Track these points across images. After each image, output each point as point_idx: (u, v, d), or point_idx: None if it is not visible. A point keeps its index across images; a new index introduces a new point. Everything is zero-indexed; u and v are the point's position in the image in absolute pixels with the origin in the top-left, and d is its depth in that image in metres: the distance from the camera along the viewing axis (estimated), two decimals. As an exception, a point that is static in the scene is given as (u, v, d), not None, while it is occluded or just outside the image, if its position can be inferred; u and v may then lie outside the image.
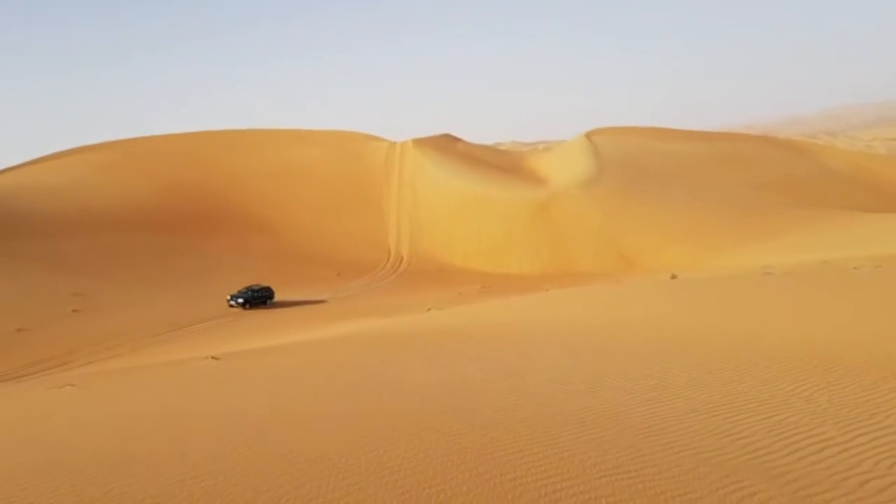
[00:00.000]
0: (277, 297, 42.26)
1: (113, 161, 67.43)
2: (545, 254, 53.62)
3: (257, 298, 40.26)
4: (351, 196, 66.90)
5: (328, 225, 62.00)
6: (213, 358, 15.23)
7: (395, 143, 75.23)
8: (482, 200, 59.59)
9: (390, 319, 23.33)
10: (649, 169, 65.82)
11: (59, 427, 9.23)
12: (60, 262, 44.32)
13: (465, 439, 6.39)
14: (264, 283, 42.17)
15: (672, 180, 63.16)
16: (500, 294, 34.51)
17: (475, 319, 17.47)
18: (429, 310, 25.62)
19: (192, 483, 5.89)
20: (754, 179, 65.34)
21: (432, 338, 14.51)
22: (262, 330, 28.89)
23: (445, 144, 75.27)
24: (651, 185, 61.38)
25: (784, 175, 67.45)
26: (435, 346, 13.10)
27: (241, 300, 39.60)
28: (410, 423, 7.07)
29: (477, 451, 6.05)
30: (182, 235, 54.71)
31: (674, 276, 25.75)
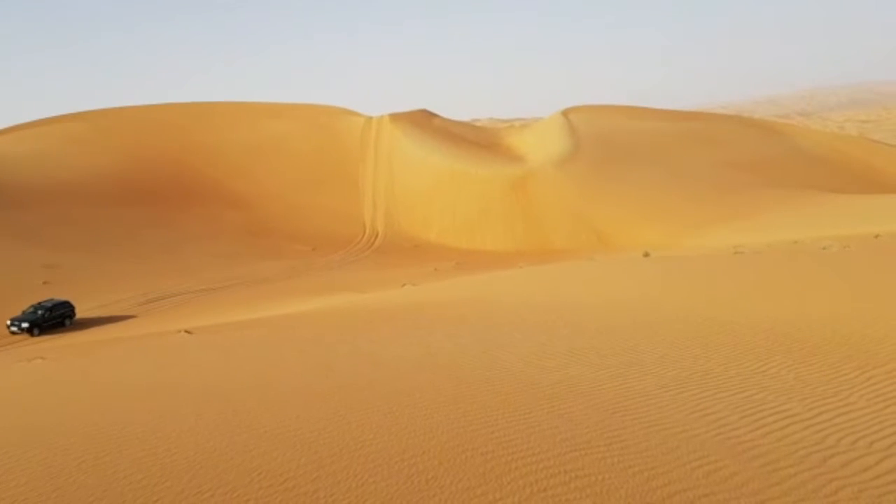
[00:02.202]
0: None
1: (83, 132, 66.33)
2: (520, 231, 53.73)
3: (50, 320, 28.28)
4: (326, 171, 66.45)
5: (303, 199, 61.57)
6: (185, 332, 15.17)
7: (371, 117, 74.65)
8: (458, 177, 59.49)
9: (365, 295, 23.32)
10: (624, 147, 65.99)
11: (30, 399, 9.17)
12: (30, 233, 43.68)
13: (437, 413, 6.44)
14: (62, 298, 29.98)
15: (646, 159, 63.41)
16: (475, 270, 34.60)
17: (450, 295, 17.51)
18: (403, 285, 25.64)
19: (165, 455, 5.89)
20: (728, 159, 65.74)
21: (407, 313, 14.54)
22: (235, 304, 28.76)
23: (422, 120, 74.88)
24: (625, 163, 61.58)
25: (757, 155, 67.90)
26: (409, 321, 13.13)
27: (25, 325, 27.90)
28: (384, 398, 7.11)
29: (449, 424, 6.10)
30: (154, 208, 54.08)
31: (646, 255, 25.94)
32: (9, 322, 28.51)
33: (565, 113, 75.29)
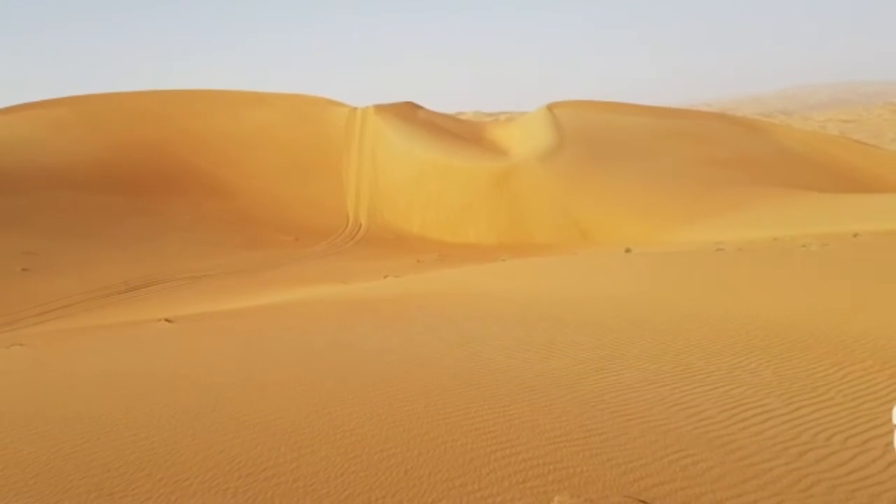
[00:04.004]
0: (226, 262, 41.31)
1: (66, 118, 65.66)
2: (503, 224, 53.75)
3: None
4: (310, 161, 66.16)
5: (286, 189, 61.30)
6: (166, 320, 15.07)
7: (356, 108, 74.31)
8: (442, 169, 59.41)
9: (347, 286, 23.28)
10: (609, 143, 66.11)
11: (7, 386, 9.09)
12: (9, 219, 43.23)
13: (417, 405, 6.45)
14: None
15: (630, 155, 63.58)
16: (458, 263, 34.60)
17: (432, 288, 17.52)
18: (386, 277, 25.61)
19: (143, 444, 5.87)
20: (710, 156, 66.02)
21: (388, 305, 14.53)
22: (217, 293, 28.61)
23: (407, 112, 74.65)
24: (609, 159, 61.72)
25: (740, 152, 68.24)
26: (391, 312, 13.13)
27: None
28: (364, 389, 7.11)
29: (429, 416, 6.12)
30: (136, 196, 53.66)
31: (628, 250, 26.05)
32: None
33: (550, 107, 75.35)
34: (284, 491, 4.85)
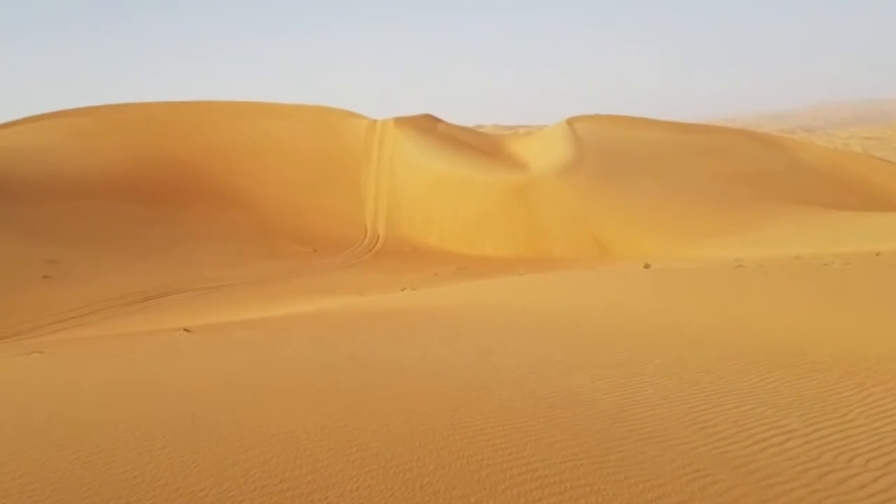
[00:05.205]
0: (246, 269, 41.51)
1: (88, 127, 66.28)
2: (521, 237, 53.62)
3: None
4: (329, 172, 66.38)
5: (305, 200, 61.50)
6: (184, 330, 15.14)
7: (375, 120, 74.56)
8: (461, 182, 59.43)
9: (364, 297, 23.31)
10: (628, 158, 65.90)
11: (26, 394, 9.15)
12: (31, 228, 43.66)
13: (433, 419, 6.42)
14: None
15: (650, 170, 63.31)
16: (476, 276, 34.55)
17: (449, 300, 17.50)
18: (403, 289, 25.62)
19: (160, 453, 5.88)
20: (731, 172, 65.62)
21: (405, 317, 14.52)
22: (235, 303, 28.74)
23: (426, 125, 74.79)
24: (629, 174, 61.50)
25: (761, 169, 67.79)
26: (408, 325, 13.11)
27: None
28: (380, 402, 7.09)
29: (445, 431, 6.08)
30: (156, 205, 54.01)
31: (647, 266, 25.92)
32: None
33: (570, 122, 75.27)
34: (299, 503, 4.84)
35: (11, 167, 53.00)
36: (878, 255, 25.84)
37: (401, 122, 73.06)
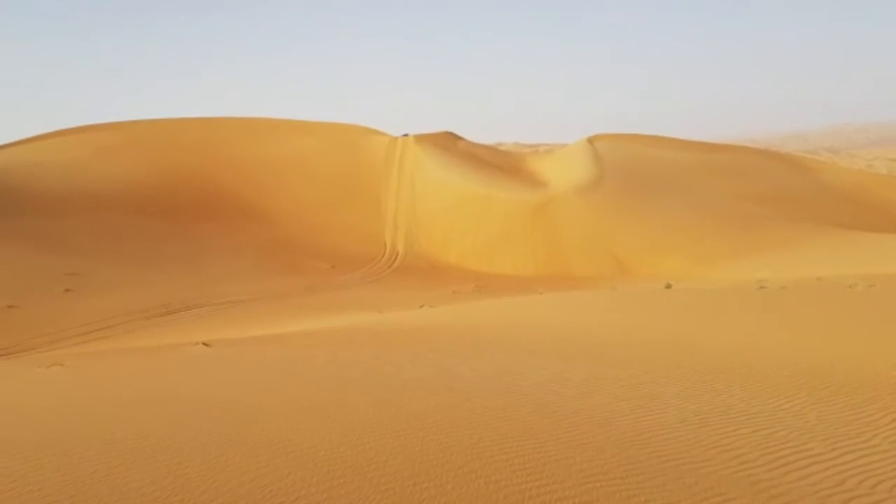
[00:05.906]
0: (263, 286, 41.61)
1: (113, 142, 67.13)
2: (541, 256, 53.52)
3: None
4: (349, 189, 66.71)
5: (324, 216, 61.77)
6: (204, 344, 15.20)
7: (396, 137, 75.01)
8: (480, 200, 59.49)
9: (382, 314, 23.30)
10: (649, 177, 65.77)
11: (46, 406, 9.20)
12: (54, 241, 44.15)
13: (451, 438, 6.38)
14: None
15: (671, 189, 63.12)
16: (495, 294, 34.48)
17: (468, 319, 17.46)
18: (421, 306, 25.60)
19: (178, 468, 5.88)
20: (752, 192, 65.28)
21: (423, 335, 14.49)
22: (254, 319, 28.84)
23: (446, 142, 75.14)
24: (650, 193, 61.34)
25: (783, 189, 67.43)
26: (426, 343, 13.08)
27: None
28: (397, 420, 7.06)
29: (463, 450, 6.04)
30: (177, 220, 54.48)
31: (668, 286, 25.75)
32: None
33: (591, 140, 75.30)
34: (316, 522, 4.81)
35: (37, 182, 53.73)
36: (902, 277, 25.51)
37: (421, 139, 73.40)
